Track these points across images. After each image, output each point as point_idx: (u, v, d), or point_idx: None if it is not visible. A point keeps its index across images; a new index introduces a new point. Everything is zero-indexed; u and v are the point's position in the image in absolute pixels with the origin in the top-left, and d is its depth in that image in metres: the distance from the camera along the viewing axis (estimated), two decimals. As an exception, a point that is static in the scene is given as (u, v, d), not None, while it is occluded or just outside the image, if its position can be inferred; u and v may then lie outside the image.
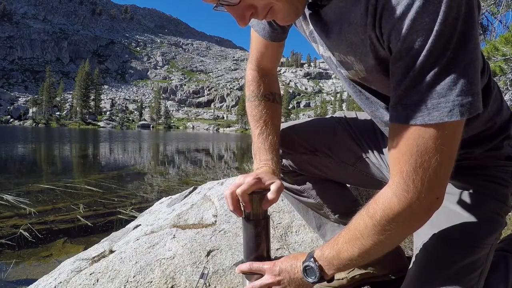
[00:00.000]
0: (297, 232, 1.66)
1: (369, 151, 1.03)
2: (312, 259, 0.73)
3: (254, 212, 0.80)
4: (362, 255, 0.68)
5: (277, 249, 1.52)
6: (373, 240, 0.65)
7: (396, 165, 0.60)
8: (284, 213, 1.76)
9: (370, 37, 0.64)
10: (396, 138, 0.60)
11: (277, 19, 0.67)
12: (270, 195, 0.79)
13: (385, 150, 0.99)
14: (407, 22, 0.55)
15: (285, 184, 1.12)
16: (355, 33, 0.66)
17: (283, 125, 1.10)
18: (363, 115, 1.08)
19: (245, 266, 0.80)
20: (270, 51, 0.99)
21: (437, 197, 0.61)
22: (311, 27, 0.78)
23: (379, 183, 1.05)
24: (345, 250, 0.69)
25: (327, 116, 1.16)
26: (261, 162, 0.90)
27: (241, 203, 0.80)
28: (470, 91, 0.54)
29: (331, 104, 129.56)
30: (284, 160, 1.08)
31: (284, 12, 0.64)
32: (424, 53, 0.54)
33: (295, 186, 1.13)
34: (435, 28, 0.53)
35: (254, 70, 1.02)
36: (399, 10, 0.55)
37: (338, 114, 1.14)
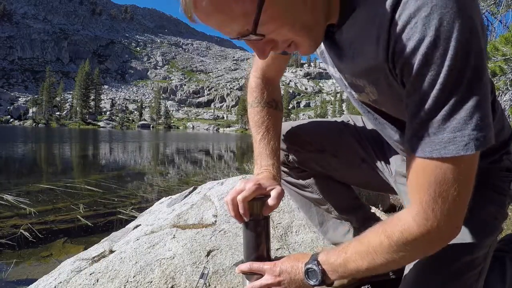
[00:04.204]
0: (297, 232, 1.66)
1: (374, 156, 1.06)
2: (316, 262, 0.73)
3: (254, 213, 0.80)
4: (370, 269, 0.68)
5: (277, 249, 1.52)
6: (386, 258, 0.66)
7: (415, 194, 0.61)
8: (284, 213, 1.76)
9: (383, 67, 0.65)
10: (414, 168, 0.61)
11: (299, 52, 0.68)
12: (270, 201, 0.79)
13: (390, 159, 1.02)
14: (418, 57, 0.55)
15: (290, 179, 1.16)
16: (367, 60, 0.67)
17: (292, 123, 1.14)
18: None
19: (245, 266, 0.81)
20: (277, 62, 1.00)
21: (456, 226, 0.62)
22: (322, 47, 0.79)
23: (382, 186, 1.08)
24: (353, 261, 0.69)
25: (336, 118, 1.18)
26: (262, 167, 0.91)
27: (241, 209, 0.80)
28: (484, 124, 0.55)
29: (331, 104, 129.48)
30: (290, 156, 1.11)
31: (306, 46, 0.65)
32: (437, 87, 0.55)
33: (300, 181, 1.16)
34: (446, 63, 0.54)
35: (258, 78, 1.03)
36: (410, 45, 0.56)
37: (344, 118, 1.17)
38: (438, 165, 0.57)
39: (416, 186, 0.60)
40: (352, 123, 1.12)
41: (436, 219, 0.59)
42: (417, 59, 0.56)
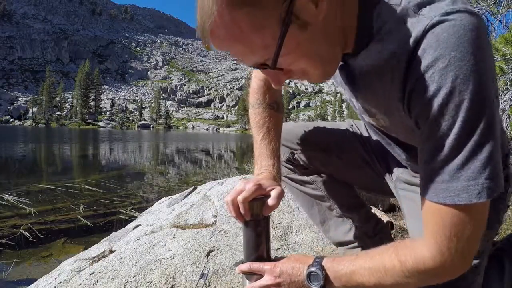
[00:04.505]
0: (297, 232, 1.66)
1: (376, 160, 1.09)
2: (319, 266, 0.73)
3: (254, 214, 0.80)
4: (376, 285, 0.69)
5: (277, 249, 1.52)
6: (395, 280, 0.67)
7: (431, 231, 0.62)
8: (284, 213, 1.76)
9: (397, 106, 0.67)
10: (428, 209, 0.63)
11: (310, 81, 0.70)
12: (270, 201, 0.79)
13: (391, 164, 1.05)
14: (435, 106, 0.57)
15: (292, 176, 1.18)
16: (380, 95, 0.69)
17: (299, 124, 1.18)
18: None
19: (245, 266, 0.80)
20: None
21: (468, 262, 0.64)
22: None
23: (382, 189, 1.11)
24: (360, 274, 0.70)
25: (340, 122, 1.22)
26: (262, 168, 0.92)
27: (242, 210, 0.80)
28: (496, 173, 0.58)
29: (331, 104, 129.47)
30: (296, 155, 1.14)
31: (319, 77, 0.67)
32: (452, 137, 0.57)
33: (304, 177, 1.18)
34: (461, 114, 0.55)
35: (260, 80, 1.03)
36: (427, 94, 0.58)
37: (348, 122, 1.19)
38: (451, 210, 0.59)
39: (432, 225, 0.62)
40: (356, 128, 1.15)
41: (450, 255, 0.61)
42: (432, 109, 0.57)
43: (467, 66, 0.54)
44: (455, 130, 0.56)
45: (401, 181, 1.01)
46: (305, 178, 1.18)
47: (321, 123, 1.20)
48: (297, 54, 0.59)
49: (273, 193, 0.80)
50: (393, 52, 0.62)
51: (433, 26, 0.56)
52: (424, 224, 0.64)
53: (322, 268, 0.73)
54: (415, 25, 0.58)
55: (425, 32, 0.57)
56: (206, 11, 0.54)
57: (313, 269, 0.73)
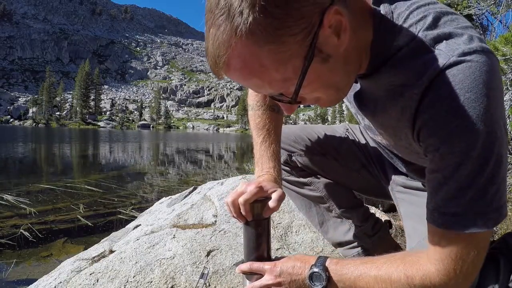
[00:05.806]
0: (297, 232, 1.66)
1: (373, 163, 1.11)
2: (323, 267, 0.73)
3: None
4: None
5: (277, 249, 1.52)
6: None
7: (438, 253, 0.64)
8: (284, 213, 1.76)
9: (405, 132, 0.67)
10: (435, 235, 0.64)
11: (321, 106, 0.70)
12: (271, 203, 0.80)
13: (388, 168, 1.07)
14: (446, 143, 0.58)
15: (290, 178, 1.18)
16: (389, 120, 0.70)
17: (296, 126, 1.19)
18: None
19: (246, 266, 0.81)
20: None
21: (471, 280, 0.66)
22: None
23: (380, 192, 1.12)
24: (365, 281, 0.70)
25: (337, 126, 1.22)
26: (263, 170, 0.92)
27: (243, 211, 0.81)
28: (501, 205, 0.60)
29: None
30: (294, 157, 1.14)
31: (330, 102, 0.67)
32: (461, 173, 0.58)
33: (302, 179, 1.18)
34: (472, 153, 0.56)
35: None
36: (439, 131, 0.59)
37: (344, 126, 1.20)
38: (457, 236, 0.61)
39: (438, 248, 0.64)
40: (352, 132, 1.16)
41: (455, 275, 0.63)
42: (444, 145, 0.59)
43: (481, 108, 0.55)
44: (465, 167, 0.57)
45: (397, 184, 1.02)
46: (302, 179, 1.18)
47: (318, 127, 1.21)
48: (316, 85, 0.59)
49: (274, 195, 0.81)
50: (405, 83, 0.62)
51: (450, 66, 0.56)
52: (431, 245, 0.65)
53: (326, 269, 0.73)
54: (430, 61, 0.58)
55: (441, 71, 0.57)
56: (222, 42, 0.51)
57: (316, 269, 0.73)
